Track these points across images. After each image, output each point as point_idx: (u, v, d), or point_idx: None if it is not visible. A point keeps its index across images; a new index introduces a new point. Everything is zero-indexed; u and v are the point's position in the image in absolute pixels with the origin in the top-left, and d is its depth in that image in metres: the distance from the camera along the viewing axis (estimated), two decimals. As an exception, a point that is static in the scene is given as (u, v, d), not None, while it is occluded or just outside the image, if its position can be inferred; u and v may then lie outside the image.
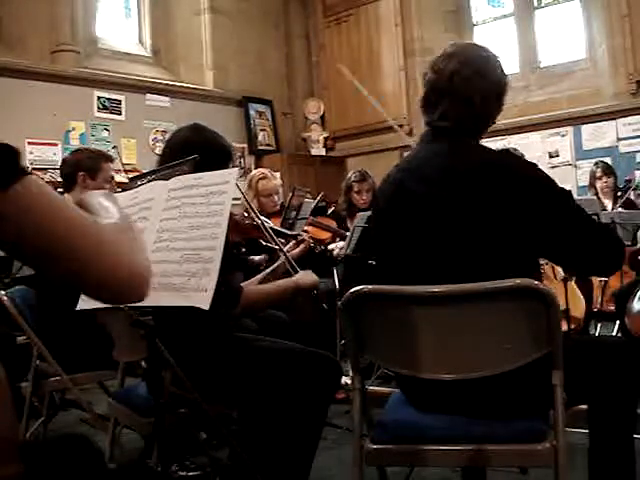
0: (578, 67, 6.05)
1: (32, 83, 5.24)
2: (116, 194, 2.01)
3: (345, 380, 2.16)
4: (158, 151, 5.69)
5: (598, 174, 4.68)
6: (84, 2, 5.93)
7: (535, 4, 6.41)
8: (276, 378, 1.78)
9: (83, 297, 1.67)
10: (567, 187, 1.58)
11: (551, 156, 5.94)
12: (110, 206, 0.95)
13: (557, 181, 1.56)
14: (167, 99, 6.23)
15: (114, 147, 5.21)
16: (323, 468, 2.27)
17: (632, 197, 4.26)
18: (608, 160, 5.18)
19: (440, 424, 1.49)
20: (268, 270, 2.32)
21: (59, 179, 2.90)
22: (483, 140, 1.69)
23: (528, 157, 3.01)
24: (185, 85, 6.45)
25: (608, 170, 4.69)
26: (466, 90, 1.60)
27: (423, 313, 1.40)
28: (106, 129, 5.76)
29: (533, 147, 5.83)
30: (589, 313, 3.65)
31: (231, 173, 1.62)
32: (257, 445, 1.75)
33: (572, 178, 5.77)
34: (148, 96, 6.09)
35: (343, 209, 4.31)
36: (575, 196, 1.62)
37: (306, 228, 3.77)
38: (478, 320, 1.37)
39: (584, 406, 1.54)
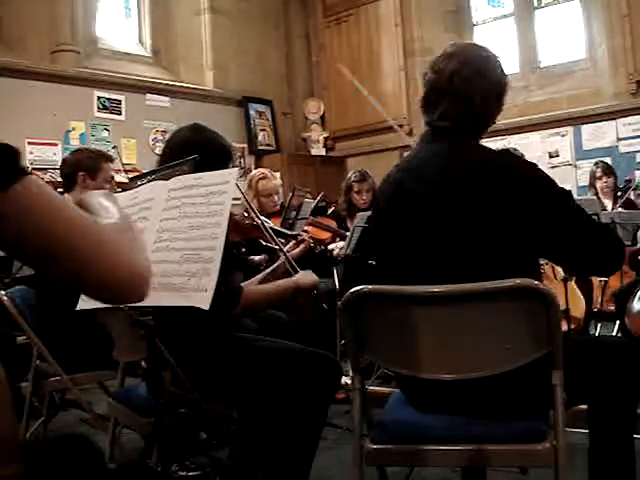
0: (578, 67, 6.05)
1: (32, 83, 5.24)
2: (116, 194, 2.02)
3: (345, 380, 2.16)
4: (158, 151, 5.69)
5: (598, 174, 4.68)
6: (84, 2, 5.93)
7: (535, 4, 6.41)
8: (276, 378, 1.78)
9: (83, 297, 1.67)
10: (567, 187, 1.58)
11: (551, 156, 5.94)
12: (110, 206, 0.95)
13: (557, 181, 1.56)
14: (167, 99, 6.23)
15: (114, 147, 5.21)
16: (323, 468, 2.27)
17: (632, 197, 4.26)
18: (608, 160, 5.18)
19: (440, 424, 1.49)
20: (268, 270, 2.32)
21: (59, 179, 2.90)
22: (483, 140, 1.69)
23: (528, 157, 3.01)
24: (185, 85, 6.45)
25: (608, 170, 4.69)
26: (466, 90, 1.60)
27: (423, 313, 1.40)
28: (106, 129, 5.76)
29: (533, 147, 5.83)
30: (589, 313, 3.65)
31: (231, 173, 1.62)
32: (257, 445, 1.75)
33: (572, 178, 5.77)
34: (148, 96, 6.09)
35: (343, 209, 4.31)
36: (575, 196, 1.62)
37: (306, 228, 3.77)
38: (478, 320, 1.37)
39: (584, 406, 1.54)
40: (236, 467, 1.81)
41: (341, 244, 3.75)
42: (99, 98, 5.74)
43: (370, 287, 1.42)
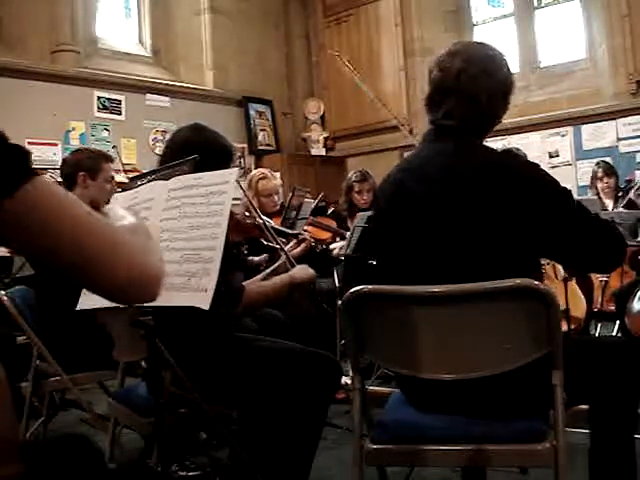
0: (578, 67, 6.05)
1: (32, 83, 5.24)
2: (116, 194, 2.02)
3: (345, 380, 2.16)
4: (158, 151, 5.70)
5: (600, 174, 4.67)
6: (84, 2, 5.93)
7: (535, 4, 6.41)
8: (276, 378, 1.78)
9: (83, 297, 1.68)
10: (567, 187, 1.58)
11: (551, 156, 5.94)
12: (123, 211, 0.98)
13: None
14: (167, 99, 6.23)
15: (114, 147, 5.21)
16: (323, 468, 2.27)
17: (632, 197, 4.26)
18: (608, 160, 5.18)
19: (440, 424, 1.49)
20: (268, 270, 2.32)
21: (59, 179, 2.89)
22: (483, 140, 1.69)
23: (528, 157, 3.01)
24: (185, 85, 6.45)
25: (610, 170, 4.68)
26: (472, 88, 1.59)
27: (423, 313, 1.40)
28: (106, 129, 5.76)
29: (533, 147, 5.83)
30: (589, 313, 3.65)
31: (231, 173, 1.62)
32: (257, 445, 1.75)
33: (572, 178, 5.77)
34: (148, 96, 6.09)
35: (344, 209, 4.31)
36: (575, 196, 1.61)
37: (306, 228, 3.77)
38: (478, 320, 1.37)
39: (584, 406, 1.54)
40: (236, 467, 1.81)
41: (342, 244, 3.75)
42: (99, 98, 5.74)
43: (370, 287, 1.42)
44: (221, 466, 2.18)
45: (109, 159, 2.87)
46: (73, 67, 5.56)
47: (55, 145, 5.36)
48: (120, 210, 0.99)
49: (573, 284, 3.51)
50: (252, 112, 6.92)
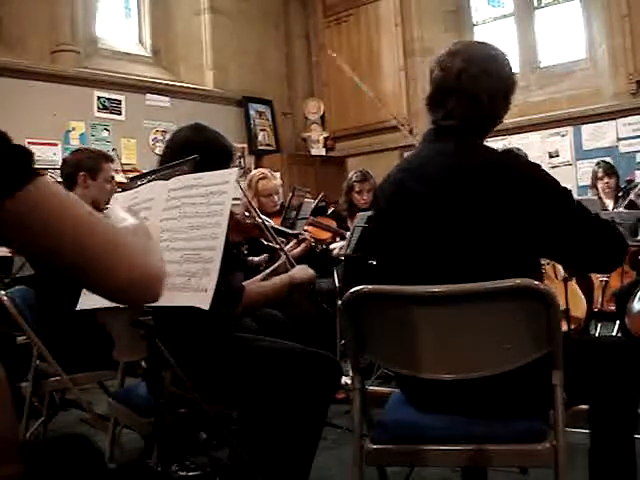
0: (578, 67, 6.05)
1: (32, 83, 5.24)
2: (116, 194, 2.02)
3: (345, 380, 2.16)
4: (158, 151, 5.69)
5: (600, 174, 4.66)
6: (84, 2, 5.93)
7: (535, 4, 6.41)
8: (276, 378, 1.78)
9: (83, 297, 1.68)
10: (567, 187, 1.58)
11: (551, 156, 5.94)
12: (124, 212, 0.98)
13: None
14: (167, 99, 6.23)
15: (113, 149, 5.19)
16: (323, 468, 2.27)
17: (633, 198, 4.25)
18: (608, 160, 5.17)
19: (440, 424, 1.49)
20: (268, 270, 2.32)
21: (59, 179, 2.89)
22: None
23: (528, 157, 3.00)
24: (185, 85, 6.45)
25: (610, 170, 4.67)
26: (473, 88, 1.58)
27: (423, 313, 1.40)
28: (106, 129, 5.76)
29: (533, 147, 5.83)
30: (589, 313, 3.64)
31: (231, 173, 1.62)
32: (257, 445, 1.75)
33: (572, 178, 5.77)
34: (148, 96, 6.09)
35: (344, 209, 4.31)
36: (575, 196, 1.61)
37: (306, 228, 3.77)
38: (478, 320, 1.37)
39: (584, 406, 1.54)
40: (236, 467, 1.81)
41: (342, 244, 3.75)
42: (99, 98, 5.74)
43: (370, 287, 1.42)
44: (221, 466, 2.18)
45: (109, 159, 2.87)
46: (73, 67, 5.56)
47: (55, 145, 5.36)
48: (121, 212, 0.99)
49: (573, 284, 3.51)
50: (252, 112, 6.92)
